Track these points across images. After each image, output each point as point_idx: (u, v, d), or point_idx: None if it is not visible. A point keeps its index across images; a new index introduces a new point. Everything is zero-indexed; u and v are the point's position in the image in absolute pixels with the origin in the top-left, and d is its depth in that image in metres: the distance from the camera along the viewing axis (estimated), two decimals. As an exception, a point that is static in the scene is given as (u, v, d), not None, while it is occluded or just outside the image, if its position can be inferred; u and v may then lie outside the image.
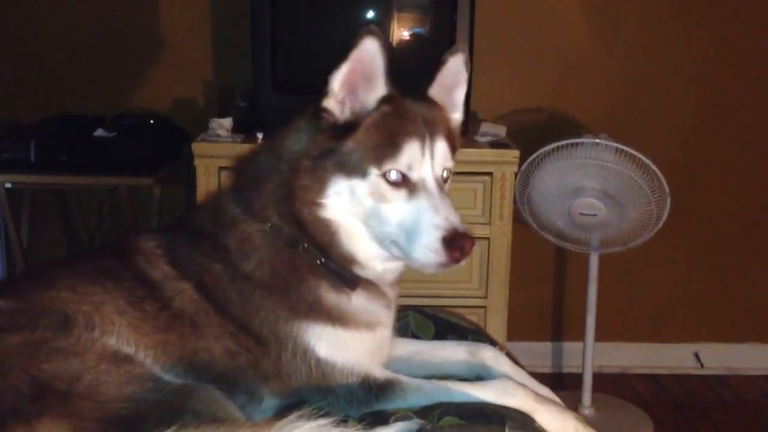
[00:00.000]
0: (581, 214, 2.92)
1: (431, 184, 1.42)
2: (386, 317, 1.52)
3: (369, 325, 1.46)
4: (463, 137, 2.88)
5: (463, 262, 1.38)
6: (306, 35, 2.96)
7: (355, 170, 1.40)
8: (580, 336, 3.24)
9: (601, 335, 3.28)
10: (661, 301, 3.67)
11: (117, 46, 3.42)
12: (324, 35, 2.92)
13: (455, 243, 1.36)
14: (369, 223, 1.42)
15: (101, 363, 1.25)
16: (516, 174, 2.90)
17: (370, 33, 1.39)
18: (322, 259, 1.43)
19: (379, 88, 1.42)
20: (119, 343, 1.31)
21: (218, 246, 1.44)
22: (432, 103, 1.53)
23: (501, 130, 3.06)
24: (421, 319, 1.81)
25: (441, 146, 1.45)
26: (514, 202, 2.95)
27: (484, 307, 2.97)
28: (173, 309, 1.39)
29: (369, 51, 1.40)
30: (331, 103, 1.42)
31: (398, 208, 1.40)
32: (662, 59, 3.49)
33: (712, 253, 3.65)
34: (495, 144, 2.96)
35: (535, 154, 2.90)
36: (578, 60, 3.48)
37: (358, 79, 1.41)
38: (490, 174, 2.87)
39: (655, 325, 3.69)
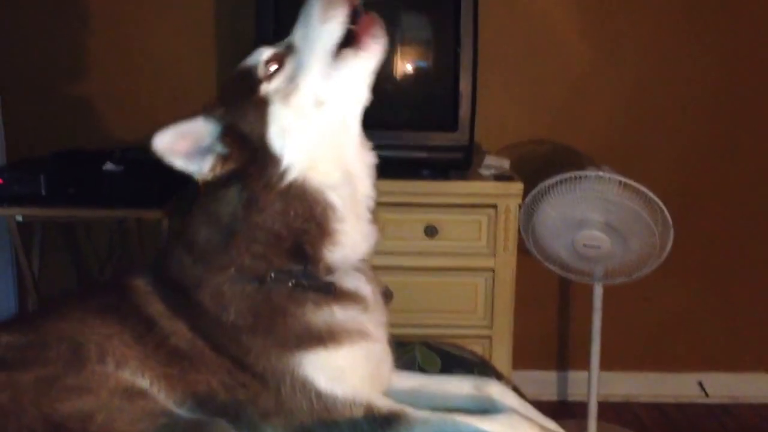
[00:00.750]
0: (585, 245, 2.94)
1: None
2: (371, 322, 1.49)
3: (360, 334, 1.45)
4: (466, 169, 2.95)
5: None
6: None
7: (261, 115, 1.41)
8: (584, 365, 3.25)
9: (606, 364, 3.30)
10: (665, 330, 3.68)
11: (124, 80, 3.47)
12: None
13: None
14: (321, 104, 1.42)
15: (114, 399, 1.26)
16: (520, 206, 2.93)
17: (152, 138, 1.39)
18: (293, 281, 1.41)
19: (201, 122, 1.43)
20: (134, 377, 1.33)
21: (194, 301, 1.42)
22: None
23: (505, 163, 3.10)
24: (427, 352, 1.83)
25: None
26: (519, 234, 2.98)
27: (490, 336, 2.99)
28: (170, 346, 1.39)
29: (163, 145, 1.39)
30: (207, 166, 1.42)
31: (300, 65, 1.42)
32: (664, 90, 3.53)
33: (715, 282, 3.67)
34: (499, 177, 2.99)
35: (539, 187, 2.93)
36: (580, 92, 3.52)
37: (185, 149, 1.41)
38: (494, 206, 2.90)
39: (659, 354, 3.70)
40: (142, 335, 1.38)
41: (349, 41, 1.43)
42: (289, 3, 2.92)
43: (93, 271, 3.54)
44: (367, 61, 1.44)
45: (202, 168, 1.42)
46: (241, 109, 1.42)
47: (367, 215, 1.49)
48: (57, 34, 3.45)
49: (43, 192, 2.94)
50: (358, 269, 1.51)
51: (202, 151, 1.42)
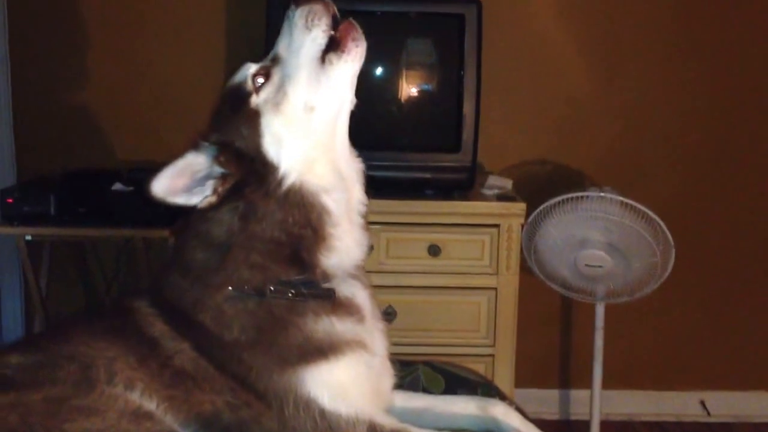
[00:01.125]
0: (587, 265, 2.96)
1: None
2: (368, 332, 1.50)
3: (359, 344, 1.46)
4: (469, 189, 2.99)
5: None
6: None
7: (254, 127, 1.44)
8: (586, 383, 3.27)
9: (608, 383, 3.30)
10: (667, 349, 3.69)
11: (133, 102, 3.51)
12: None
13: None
14: (311, 109, 1.45)
15: (122, 421, 1.28)
16: (522, 226, 2.96)
17: (149, 185, 1.40)
18: (293, 291, 1.42)
19: (192, 156, 1.43)
20: (142, 399, 1.33)
21: (196, 321, 1.43)
22: None
23: (507, 183, 3.13)
24: (431, 372, 1.84)
25: None
26: (521, 253, 3.00)
27: (492, 355, 3.01)
28: (174, 366, 1.39)
29: (161, 189, 1.40)
30: (209, 191, 1.43)
31: (288, 73, 1.46)
32: (664, 110, 3.56)
33: (717, 300, 3.68)
34: (501, 197, 3.02)
35: (541, 207, 2.95)
36: (581, 113, 3.55)
37: (184, 186, 1.42)
38: (497, 226, 2.93)
39: (661, 373, 3.70)
40: (146, 357, 1.39)
41: (331, 47, 1.48)
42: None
43: (100, 289, 3.56)
44: (351, 63, 1.48)
45: (204, 194, 1.43)
46: (233, 125, 1.45)
47: (360, 221, 1.52)
48: (70, 55, 3.49)
49: (53, 211, 2.97)
50: (353, 276, 1.52)
51: (200, 181, 1.43)
